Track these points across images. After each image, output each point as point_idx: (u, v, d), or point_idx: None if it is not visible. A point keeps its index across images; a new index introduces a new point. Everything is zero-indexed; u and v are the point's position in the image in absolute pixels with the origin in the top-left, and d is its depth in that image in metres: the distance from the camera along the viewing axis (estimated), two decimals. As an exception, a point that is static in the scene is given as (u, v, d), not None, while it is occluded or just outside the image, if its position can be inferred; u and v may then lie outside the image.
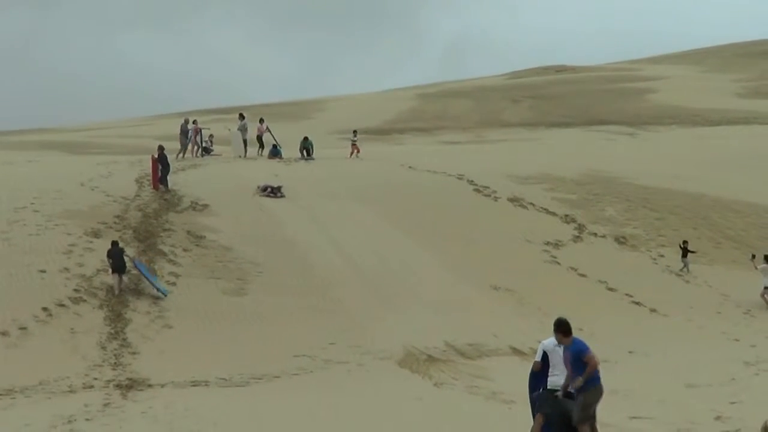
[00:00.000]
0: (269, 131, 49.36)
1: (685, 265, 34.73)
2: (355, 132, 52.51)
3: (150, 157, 39.81)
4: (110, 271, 28.52)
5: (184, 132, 47.72)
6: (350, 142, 50.72)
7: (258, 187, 37.91)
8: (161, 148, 38.62)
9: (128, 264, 28.87)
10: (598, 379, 15.07)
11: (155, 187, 37.49)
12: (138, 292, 28.28)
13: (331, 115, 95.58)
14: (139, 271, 29.09)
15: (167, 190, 37.11)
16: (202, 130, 49.07)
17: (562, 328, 15.14)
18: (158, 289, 28.53)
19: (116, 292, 28.18)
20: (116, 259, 28.52)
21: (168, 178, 37.87)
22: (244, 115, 51.15)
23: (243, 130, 48.50)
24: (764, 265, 32.75)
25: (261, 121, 50.45)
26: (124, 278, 28.58)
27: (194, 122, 49.74)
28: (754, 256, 33.81)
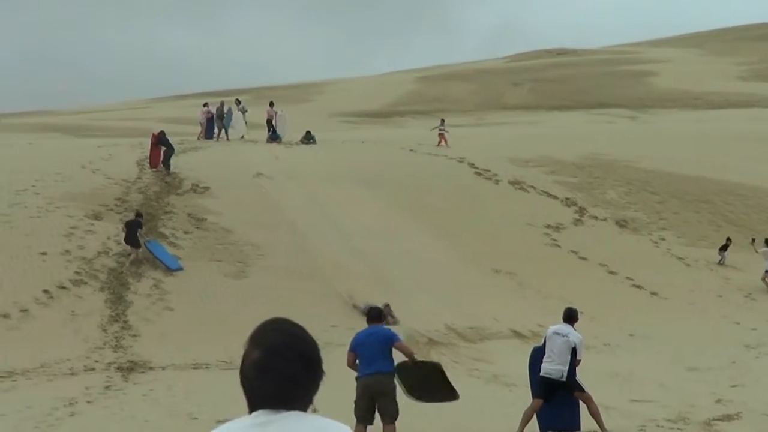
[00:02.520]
0: (284, 117, 49.21)
1: (722, 258, 34.29)
2: (442, 120, 49.65)
3: (151, 135, 39.78)
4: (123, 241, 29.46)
5: (219, 116, 47.81)
6: (438, 131, 47.75)
7: (357, 308, 27.82)
8: (162, 133, 38.71)
9: (141, 241, 29.41)
10: (361, 373, 14.59)
11: (153, 166, 37.53)
12: (139, 275, 28.27)
13: (331, 98, 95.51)
14: (151, 253, 29.46)
15: (169, 173, 37.11)
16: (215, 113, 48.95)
17: (368, 313, 15.28)
18: (170, 267, 29.01)
19: (126, 264, 28.65)
20: (129, 231, 29.14)
21: (171, 160, 37.92)
22: (240, 100, 51.30)
23: (243, 112, 48.69)
24: (765, 249, 32.75)
25: (271, 104, 50.37)
26: (138, 252, 29.13)
27: (205, 105, 49.85)
28: (753, 240, 33.82)
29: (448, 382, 15.07)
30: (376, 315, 15.23)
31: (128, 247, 29.15)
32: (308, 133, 47.41)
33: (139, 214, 30.41)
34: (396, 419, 14.65)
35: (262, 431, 3.44)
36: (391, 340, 14.75)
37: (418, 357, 16.51)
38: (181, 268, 29.09)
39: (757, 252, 33.07)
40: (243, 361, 3.57)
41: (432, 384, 15.10)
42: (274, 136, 47.20)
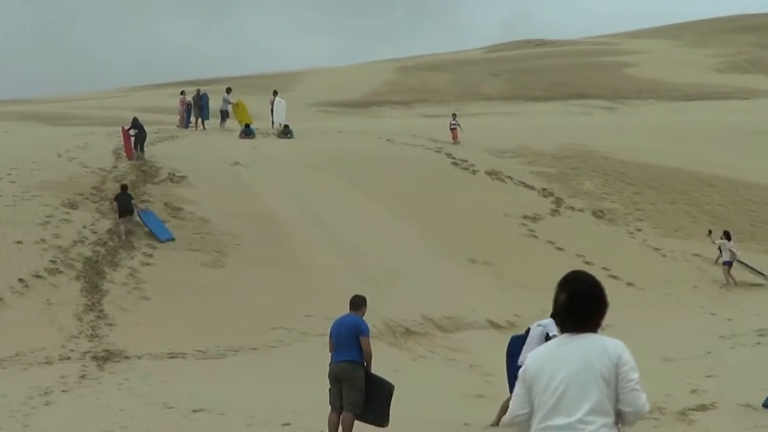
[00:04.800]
0: (282, 104, 48.86)
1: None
2: (454, 115, 47.96)
3: (120, 128, 39.69)
4: (117, 216, 30.26)
5: (197, 104, 47.52)
6: (449, 126, 45.87)
7: None
8: (135, 119, 38.63)
9: (135, 209, 30.42)
10: (331, 359, 14.82)
11: (129, 157, 37.40)
12: (115, 264, 28.16)
13: (309, 88, 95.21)
14: (143, 222, 30.46)
15: (143, 158, 37.03)
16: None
17: (350, 301, 15.37)
18: (160, 238, 29.76)
19: (122, 236, 29.45)
20: (121, 203, 29.99)
21: (144, 146, 37.86)
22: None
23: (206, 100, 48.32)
24: (722, 241, 32.67)
25: (275, 93, 49.92)
26: (128, 225, 29.94)
27: (182, 93, 49.54)
28: (710, 232, 33.69)
29: (388, 408, 14.81)
30: (354, 303, 15.27)
31: (121, 221, 29.84)
32: (286, 127, 46.61)
33: (124, 187, 31.10)
34: (358, 410, 14.52)
35: (568, 346, 5.70)
36: (358, 331, 14.73)
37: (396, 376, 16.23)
38: (172, 239, 29.83)
39: (714, 243, 33.00)
40: (555, 300, 5.83)
41: (373, 403, 14.79)
42: (247, 132, 45.80)
